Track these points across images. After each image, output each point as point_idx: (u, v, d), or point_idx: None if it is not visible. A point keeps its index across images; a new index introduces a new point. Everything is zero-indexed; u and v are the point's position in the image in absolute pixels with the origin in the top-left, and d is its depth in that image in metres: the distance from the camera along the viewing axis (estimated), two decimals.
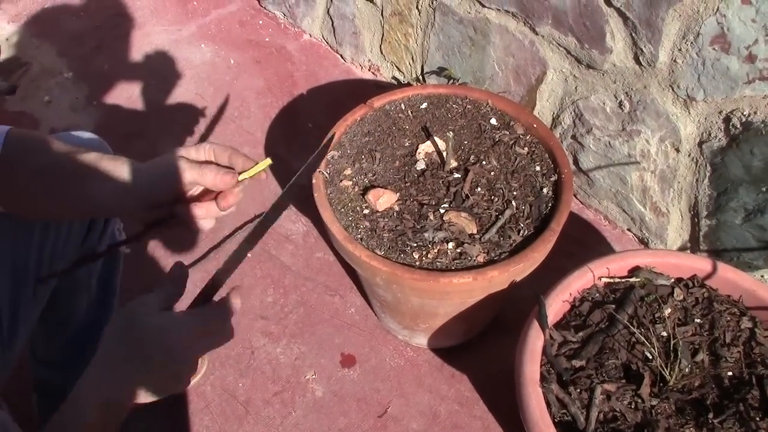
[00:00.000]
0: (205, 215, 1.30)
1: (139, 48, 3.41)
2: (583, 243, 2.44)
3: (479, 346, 2.23)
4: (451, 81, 2.70)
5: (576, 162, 2.44)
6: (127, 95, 3.17)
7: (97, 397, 1.04)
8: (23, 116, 3.05)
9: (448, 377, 2.18)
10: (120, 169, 1.32)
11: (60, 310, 1.75)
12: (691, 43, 1.88)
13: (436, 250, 1.79)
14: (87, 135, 1.63)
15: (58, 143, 1.38)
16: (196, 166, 1.29)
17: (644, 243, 2.42)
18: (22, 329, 1.56)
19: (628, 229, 2.46)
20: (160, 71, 3.27)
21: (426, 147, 2.03)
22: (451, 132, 1.92)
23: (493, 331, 2.24)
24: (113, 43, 3.45)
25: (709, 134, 2.02)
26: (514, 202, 1.88)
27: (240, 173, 1.31)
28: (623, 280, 1.80)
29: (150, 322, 1.06)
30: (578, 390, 1.59)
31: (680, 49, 1.92)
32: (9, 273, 1.49)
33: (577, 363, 1.64)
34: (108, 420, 1.05)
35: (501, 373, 1.98)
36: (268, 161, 1.31)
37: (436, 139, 2.03)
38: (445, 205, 1.88)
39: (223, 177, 1.28)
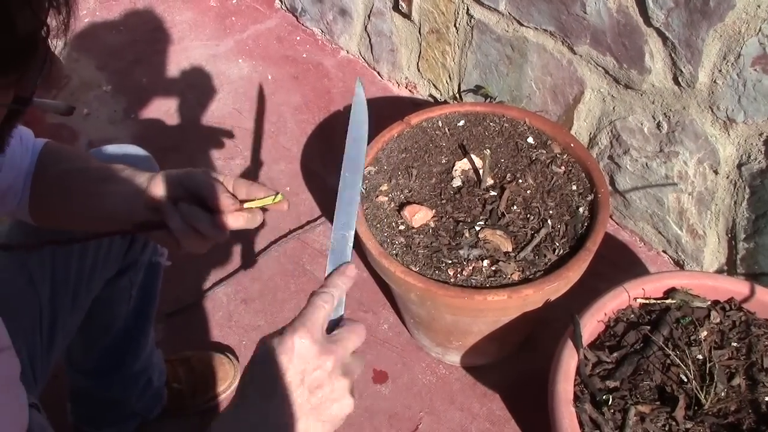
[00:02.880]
0: (225, 224, 1.28)
1: (177, 62, 3.43)
2: (618, 264, 2.43)
3: (512, 365, 2.22)
4: (488, 99, 2.70)
5: (612, 182, 2.43)
6: (165, 109, 3.19)
7: None
8: (63, 128, 3.08)
9: (480, 396, 2.17)
10: (138, 175, 1.33)
11: (99, 319, 1.76)
12: (732, 64, 1.87)
13: (470, 268, 1.79)
14: (133, 149, 1.65)
15: (86, 155, 1.40)
16: (209, 179, 1.29)
17: (680, 265, 2.40)
18: (60, 337, 1.57)
19: (664, 251, 2.45)
20: (198, 86, 3.29)
21: (462, 164, 2.03)
22: (488, 150, 1.92)
23: (526, 350, 2.23)
24: (151, 57, 3.47)
25: (749, 156, 2.01)
26: (549, 221, 1.88)
27: (246, 201, 1.29)
28: (659, 302, 1.78)
29: (274, 359, 1.00)
30: (612, 411, 1.58)
31: (720, 70, 1.91)
32: (49, 281, 1.51)
33: (611, 384, 1.62)
34: None
35: (533, 393, 1.96)
36: (280, 197, 1.28)
37: (473, 156, 2.03)
38: (481, 223, 1.88)
39: (224, 198, 1.26)
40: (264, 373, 1.01)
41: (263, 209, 1.31)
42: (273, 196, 1.27)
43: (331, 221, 2.39)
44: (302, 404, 1.01)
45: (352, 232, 1.18)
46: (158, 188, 1.30)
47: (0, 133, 0.89)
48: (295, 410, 1.00)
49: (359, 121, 1.27)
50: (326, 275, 1.13)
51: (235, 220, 1.27)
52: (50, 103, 1.03)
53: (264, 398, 1.00)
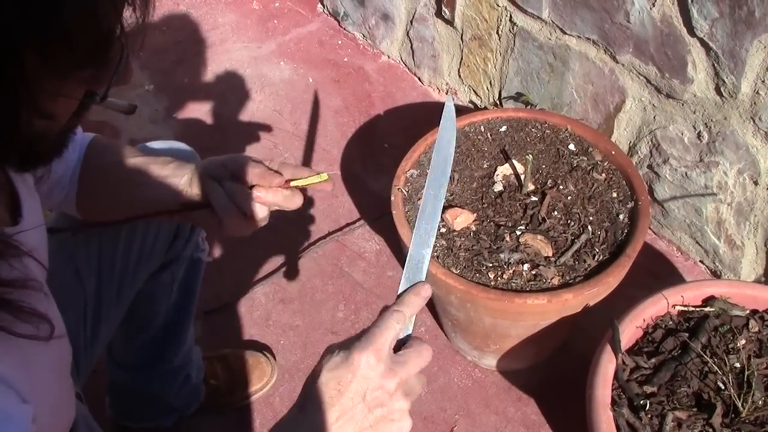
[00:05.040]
0: (263, 198, 1.30)
1: (219, 64, 3.46)
2: (655, 273, 2.43)
3: (547, 369, 2.23)
4: (529, 107, 2.71)
5: (651, 192, 2.43)
6: (206, 109, 3.22)
7: None
8: (105, 126, 3.12)
9: (515, 400, 2.19)
10: (183, 164, 1.37)
11: (140, 314, 1.79)
12: None
13: (511, 271, 1.80)
14: (178, 144, 1.68)
15: (132, 148, 1.42)
16: (252, 161, 1.32)
17: (717, 275, 2.40)
18: (103, 330, 1.60)
19: (701, 261, 2.45)
20: (239, 87, 3.33)
21: (504, 169, 2.04)
22: (530, 155, 1.93)
23: (562, 355, 2.24)
24: (194, 58, 3.50)
25: None
26: (590, 227, 1.89)
27: (293, 180, 1.32)
28: (697, 309, 1.79)
29: (342, 377, 1.02)
30: (649, 416, 1.59)
31: (764, 81, 1.91)
32: (95, 275, 1.54)
33: (648, 389, 1.64)
34: None
35: (568, 397, 1.98)
36: (324, 176, 1.30)
37: (515, 161, 2.05)
38: (522, 227, 1.90)
39: (270, 175, 1.29)
40: (326, 386, 1.02)
41: (303, 190, 1.33)
42: (318, 175, 1.30)
43: (370, 224, 2.41)
44: (360, 421, 1.02)
45: (430, 251, 1.16)
46: (203, 172, 1.32)
47: (67, 126, 0.92)
48: (352, 426, 1.02)
49: (447, 138, 1.24)
50: (399, 292, 1.12)
51: (274, 196, 1.29)
52: (113, 102, 1.05)
53: (323, 411, 1.01)
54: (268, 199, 1.29)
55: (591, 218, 1.92)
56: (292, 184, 1.31)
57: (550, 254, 1.84)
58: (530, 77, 2.67)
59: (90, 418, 1.39)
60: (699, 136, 2.17)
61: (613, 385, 1.65)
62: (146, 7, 0.85)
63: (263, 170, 1.29)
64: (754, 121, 2.01)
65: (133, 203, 1.38)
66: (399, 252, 2.00)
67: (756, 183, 2.10)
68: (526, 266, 1.81)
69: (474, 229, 1.91)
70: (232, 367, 2.22)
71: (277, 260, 2.60)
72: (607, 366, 1.66)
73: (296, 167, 1.34)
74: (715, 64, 2.01)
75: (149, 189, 1.35)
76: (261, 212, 1.31)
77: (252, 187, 1.30)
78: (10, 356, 0.89)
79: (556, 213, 1.93)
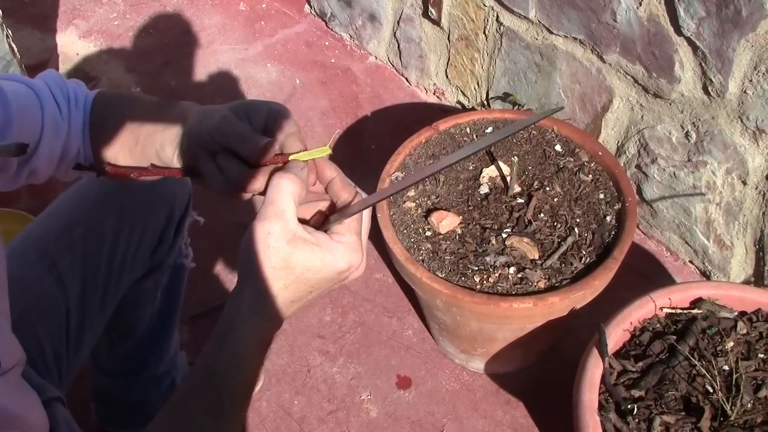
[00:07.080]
0: (256, 178, 1.21)
1: (206, 66, 3.44)
2: (644, 274, 2.42)
3: (535, 372, 2.22)
4: (516, 107, 2.69)
5: (639, 192, 2.42)
6: None
7: (258, 348, 1.10)
8: None
9: (504, 403, 2.17)
10: (180, 122, 1.23)
11: (124, 321, 1.77)
12: (763, 74, 1.87)
13: (497, 275, 1.79)
14: None
15: (137, 98, 1.35)
16: (242, 130, 1.17)
17: (706, 276, 2.39)
18: (88, 337, 1.59)
19: (690, 261, 2.43)
20: (226, 89, 3.31)
21: (490, 171, 2.03)
22: (516, 157, 1.92)
23: (551, 358, 2.23)
24: (181, 60, 3.49)
25: None
26: (576, 229, 1.88)
27: (292, 154, 1.16)
28: (685, 312, 1.78)
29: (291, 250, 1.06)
30: (636, 420, 1.57)
31: (751, 80, 1.90)
32: (79, 282, 1.52)
33: (636, 393, 1.62)
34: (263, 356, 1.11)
35: (557, 401, 1.96)
36: (327, 149, 1.16)
37: (501, 163, 2.03)
38: (508, 230, 1.88)
39: (257, 141, 1.13)
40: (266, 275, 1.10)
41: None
42: (320, 149, 1.16)
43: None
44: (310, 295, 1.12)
45: None
46: (195, 139, 1.20)
47: None
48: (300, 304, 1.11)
49: None
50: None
51: (260, 184, 1.16)
52: None
53: (275, 297, 1.10)
54: (260, 179, 1.21)
55: (578, 220, 1.90)
56: (291, 158, 1.15)
57: (537, 257, 1.83)
58: (517, 77, 2.66)
59: (73, 422, 1.37)
60: (687, 135, 2.16)
61: (600, 389, 1.63)
62: None
63: (254, 144, 1.14)
64: (741, 121, 1.99)
65: (142, 154, 1.30)
66: (385, 254, 1.98)
67: (744, 183, 2.09)
68: (512, 269, 1.80)
69: (459, 232, 1.89)
70: None
71: None
72: (594, 370, 1.65)
73: (290, 135, 1.19)
74: (703, 64, 1.99)
75: (154, 143, 1.28)
76: (255, 188, 1.24)
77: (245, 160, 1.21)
78: None
79: (542, 215, 1.92)
